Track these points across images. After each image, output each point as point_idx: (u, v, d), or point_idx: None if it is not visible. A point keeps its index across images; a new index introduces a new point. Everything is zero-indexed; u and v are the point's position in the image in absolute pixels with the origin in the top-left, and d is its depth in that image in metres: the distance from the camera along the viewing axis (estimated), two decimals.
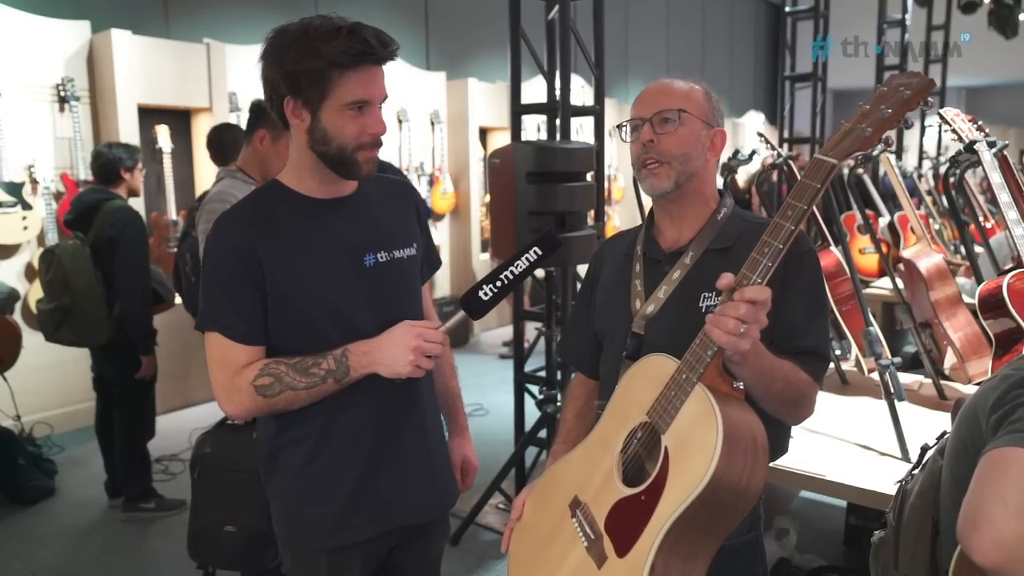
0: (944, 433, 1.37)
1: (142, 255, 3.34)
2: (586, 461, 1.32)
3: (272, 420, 1.44)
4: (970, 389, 2.58)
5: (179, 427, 4.46)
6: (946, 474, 1.25)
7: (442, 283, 6.89)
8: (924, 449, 1.44)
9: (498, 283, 1.35)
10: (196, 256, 2.95)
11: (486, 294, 1.35)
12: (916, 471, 1.42)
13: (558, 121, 3.27)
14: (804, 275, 1.32)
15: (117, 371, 3.43)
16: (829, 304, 1.40)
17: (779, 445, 1.41)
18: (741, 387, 1.17)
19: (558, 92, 3.27)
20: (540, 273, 3.64)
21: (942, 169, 4.12)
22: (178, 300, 3.40)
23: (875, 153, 2.54)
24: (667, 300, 1.36)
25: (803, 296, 1.31)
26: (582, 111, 3.55)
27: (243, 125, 3.55)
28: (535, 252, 1.37)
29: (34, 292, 4.38)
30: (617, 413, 1.29)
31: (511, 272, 1.36)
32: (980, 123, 2.34)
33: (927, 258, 2.58)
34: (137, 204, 4.68)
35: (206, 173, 5.17)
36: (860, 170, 4.84)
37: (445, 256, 6.92)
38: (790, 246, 1.20)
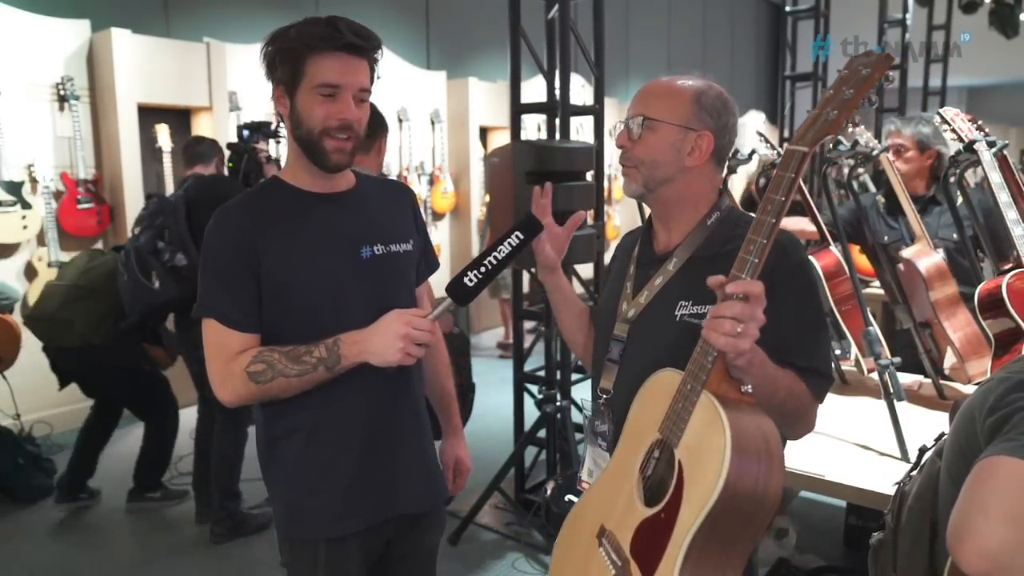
0: (942, 434, 1.37)
1: None
2: (608, 488, 1.31)
3: (268, 410, 1.47)
4: (970, 389, 2.57)
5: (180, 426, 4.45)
6: (944, 476, 1.25)
7: (442, 283, 6.88)
8: (922, 451, 1.44)
9: (482, 269, 1.37)
10: (129, 253, 3.09)
11: (471, 280, 1.36)
12: (914, 473, 1.42)
13: (558, 120, 3.27)
14: (795, 289, 1.28)
15: (133, 392, 3.48)
16: (826, 318, 1.36)
17: None
18: (750, 390, 1.14)
19: (558, 91, 3.27)
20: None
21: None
22: None
23: (875, 153, 2.53)
24: (647, 305, 1.36)
25: (795, 311, 1.27)
26: (582, 110, 3.55)
27: (242, 125, 3.60)
28: (517, 236, 1.38)
29: (34, 292, 4.38)
30: (632, 434, 1.28)
31: (494, 258, 1.37)
32: (980, 123, 2.33)
33: (927, 258, 2.56)
34: (136, 203, 4.68)
35: None
36: (861, 169, 4.83)
37: (445, 255, 6.91)
38: (779, 258, 1.19)
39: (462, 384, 3.46)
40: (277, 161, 3.54)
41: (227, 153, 3.54)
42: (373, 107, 2.72)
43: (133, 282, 3.08)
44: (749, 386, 1.15)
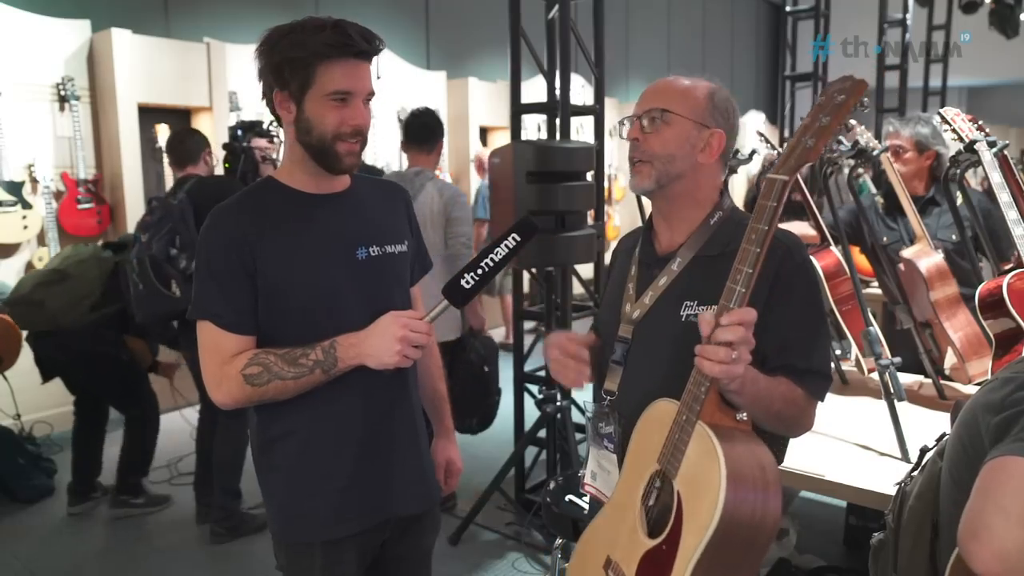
0: (943, 435, 1.37)
1: None
2: (613, 518, 1.32)
3: (263, 413, 1.46)
4: (971, 389, 2.57)
5: (179, 427, 4.46)
6: (945, 476, 1.25)
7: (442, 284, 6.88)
8: (923, 451, 1.44)
9: (479, 271, 1.37)
10: (144, 261, 3.04)
11: (468, 282, 1.36)
12: (915, 473, 1.42)
13: (558, 120, 3.27)
14: (795, 290, 1.28)
15: (110, 382, 3.45)
16: (826, 319, 1.36)
17: (776, 457, 1.41)
18: (744, 417, 1.15)
19: (558, 91, 3.27)
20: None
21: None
22: None
23: (875, 153, 2.53)
24: (652, 306, 1.36)
25: (795, 313, 1.28)
26: (582, 110, 3.54)
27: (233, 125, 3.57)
28: (514, 239, 1.38)
29: None
30: (634, 464, 1.29)
31: (491, 260, 1.37)
32: (980, 123, 2.33)
33: (927, 258, 2.56)
34: (136, 203, 4.68)
35: None
36: (861, 170, 4.83)
37: None
38: (781, 259, 1.20)
39: (492, 389, 3.55)
40: (274, 161, 3.50)
41: (223, 154, 3.50)
42: (433, 113, 3.50)
43: (149, 291, 3.05)
44: (744, 413, 1.15)
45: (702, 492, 1.09)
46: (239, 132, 3.46)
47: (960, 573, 1.10)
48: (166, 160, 4.82)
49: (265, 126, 3.50)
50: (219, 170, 3.62)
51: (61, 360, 3.41)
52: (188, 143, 3.42)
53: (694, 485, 1.11)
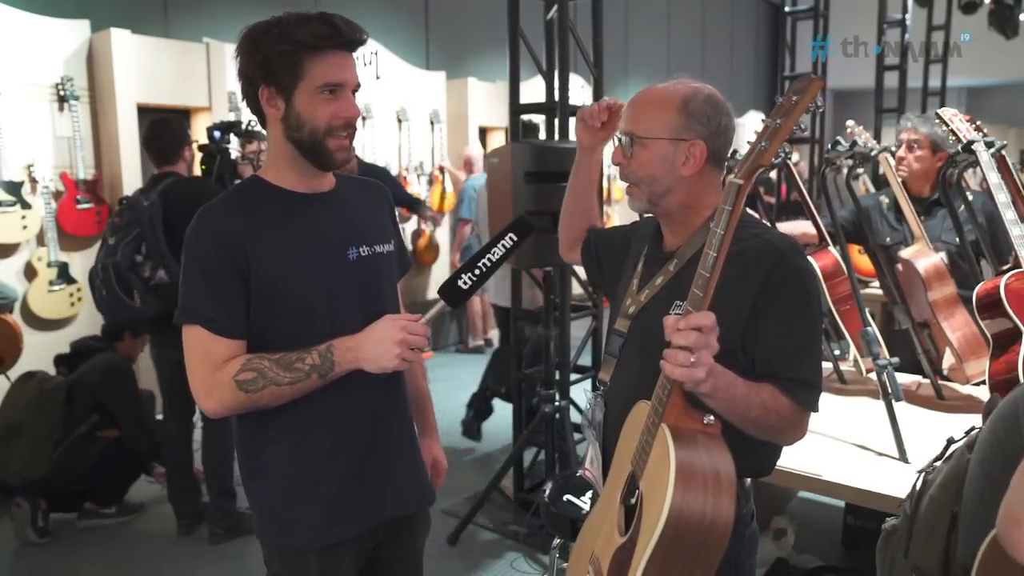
0: (972, 428, 1.38)
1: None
2: (600, 513, 1.36)
3: (253, 419, 1.41)
4: (968, 390, 2.58)
5: None
6: (975, 469, 1.25)
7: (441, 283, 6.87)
8: (950, 442, 1.44)
9: (476, 271, 1.37)
10: (108, 268, 2.96)
11: (465, 283, 1.37)
12: (938, 463, 1.43)
13: (556, 121, 3.27)
14: (786, 298, 1.27)
15: (107, 473, 3.37)
16: (820, 327, 1.36)
17: (764, 465, 1.41)
18: (712, 420, 1.15)
19: (557, 92, 3.27)
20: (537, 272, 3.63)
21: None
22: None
23: (873, 153, 2.53)
24: (646, 304, 1.38)
25: (784, 321, 1.27)
26: None
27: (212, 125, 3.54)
28: (510, 239, 1.40)
29: (34, 291, 4.38)
30: (618, 463, 1.32)
31: (488, 260, 1.38)
32: (978, 123, 2.33)
33: (925, 258, 2.57)
34: None
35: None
36: (860, 170, 4.83)
37: (443, 255, 6.91)
38: (775, 264, 1.22)
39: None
40: (252, 161, 3.37)
41: (200, 155, 3.43)
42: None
43: (112, 298, 2.98)
44: (711, 417, 1.15)
45: (656, 492, 1.11)
46: (217, 133, 3.41)
47: (991, 563, 1.10)
48: None
49: (244, 127, 3.42)
50: (196, 171, 3.55)
51: (39, 496, 3.28)
52: (165, 136, 3.23)
53: (652, 486, 1.14)
